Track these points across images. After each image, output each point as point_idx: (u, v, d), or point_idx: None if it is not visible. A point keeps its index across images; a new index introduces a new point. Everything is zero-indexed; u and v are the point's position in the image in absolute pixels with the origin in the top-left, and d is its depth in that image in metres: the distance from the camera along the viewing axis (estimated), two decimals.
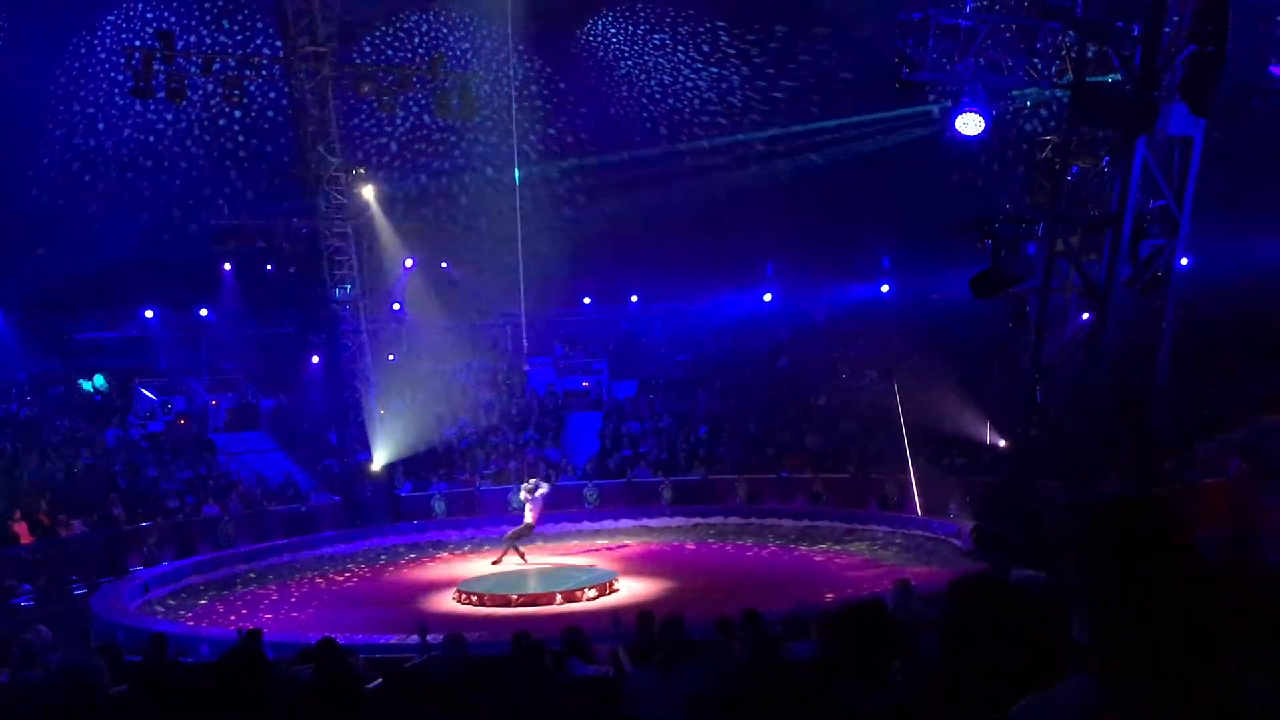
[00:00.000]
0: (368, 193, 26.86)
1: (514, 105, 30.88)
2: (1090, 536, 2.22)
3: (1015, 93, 18.88)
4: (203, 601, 20.87)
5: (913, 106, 28.84)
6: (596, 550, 24.15)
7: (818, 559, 22.23)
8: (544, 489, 22.42)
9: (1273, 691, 2.19)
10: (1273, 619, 2.25)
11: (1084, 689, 2.19)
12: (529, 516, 22.02)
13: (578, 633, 10.32)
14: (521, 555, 22.17)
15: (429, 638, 12.51)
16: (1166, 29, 13.19)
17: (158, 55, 24.00)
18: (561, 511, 26.94)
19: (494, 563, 22.23)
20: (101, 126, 34.94)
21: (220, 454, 28.52)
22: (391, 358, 30.97)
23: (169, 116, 34.29)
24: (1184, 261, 18.59)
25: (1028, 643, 2.52)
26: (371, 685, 9.26)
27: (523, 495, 22.44)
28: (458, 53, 36.47)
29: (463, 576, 21.16)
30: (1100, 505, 2.25)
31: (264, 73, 29.04)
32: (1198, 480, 19.16)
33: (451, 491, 27.64)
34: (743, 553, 23.48)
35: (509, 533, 22.28)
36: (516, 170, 30.44)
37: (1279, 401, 22.30)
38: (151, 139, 34.99)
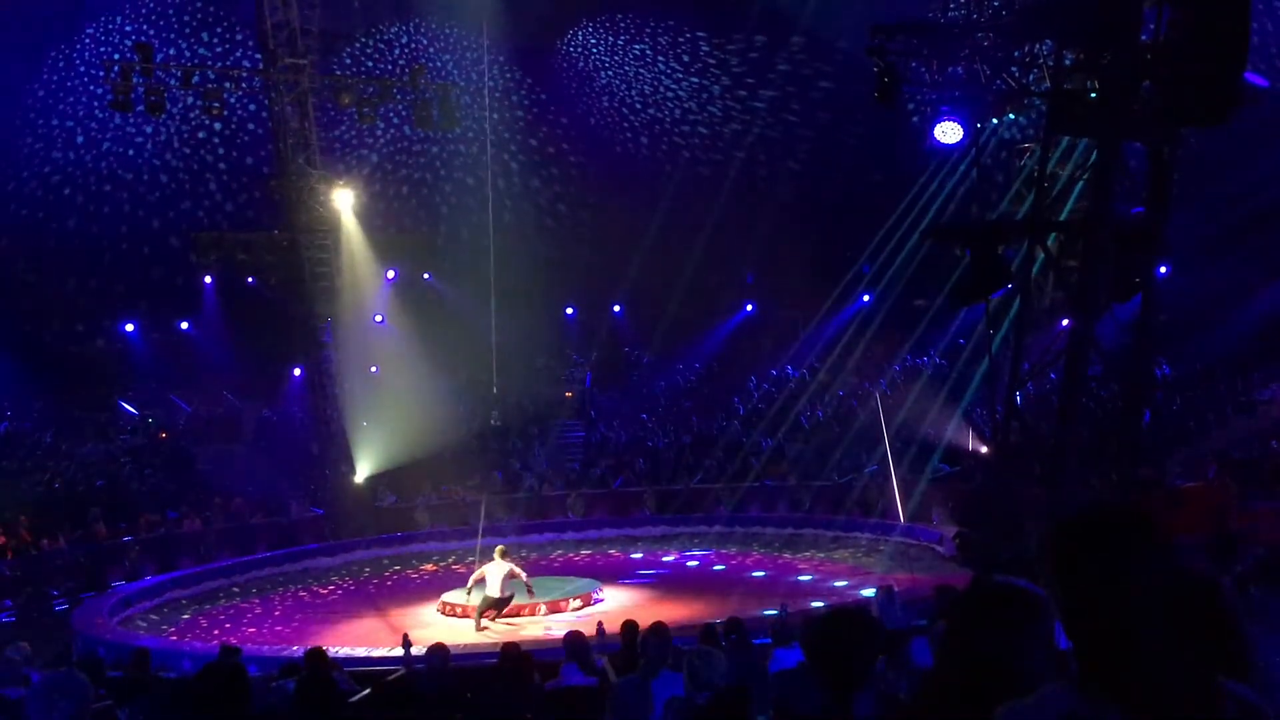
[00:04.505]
0: (342, 204, 26.76)
1: (492, 115, 30.81)
2: (1065, 545, 2.24)
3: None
4: (185, 616, 20.74)
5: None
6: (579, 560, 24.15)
7: (802, 566, 22.26)
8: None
9: (1249, 696, 2.22)
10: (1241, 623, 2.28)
11: (1064, 695, 2.20)
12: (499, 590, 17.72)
13: (580, 638, 10.34)
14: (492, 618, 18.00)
15: (412, 650, 12.50)
16: (1144, 37, 13.27)
17: (137, 68, 23.91)
18: (545, 521, 27.05)
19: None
20: (80, 140, 34.80)
21: (201, 467, 28.37)
22: (374, 369, 30.90)
23: (148, 129, 34.19)
24: (1162, 269, 18.74)
25: (1031, 650, 2.54)
26: (355, 698, 9.24)
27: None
28: (438, 64, 36.48)
29: (446, 588, 21.08)
30: (1074, 513, 2.27)
31: (244, 85, 28.97)
32: (1176, 485, 19.29)
33: (434, 503, 27.56)
34: (727, 561, 23.48)
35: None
36: None
37: (1255, 407, 22.53)
38: (131, 152, 34.86)
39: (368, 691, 9.51)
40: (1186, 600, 2.16)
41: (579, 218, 37.06)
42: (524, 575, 17.87)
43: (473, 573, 18.29)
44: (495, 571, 17.61)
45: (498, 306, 29.60)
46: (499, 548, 18.12)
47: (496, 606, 17.72)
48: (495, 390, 22.34)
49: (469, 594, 18.06)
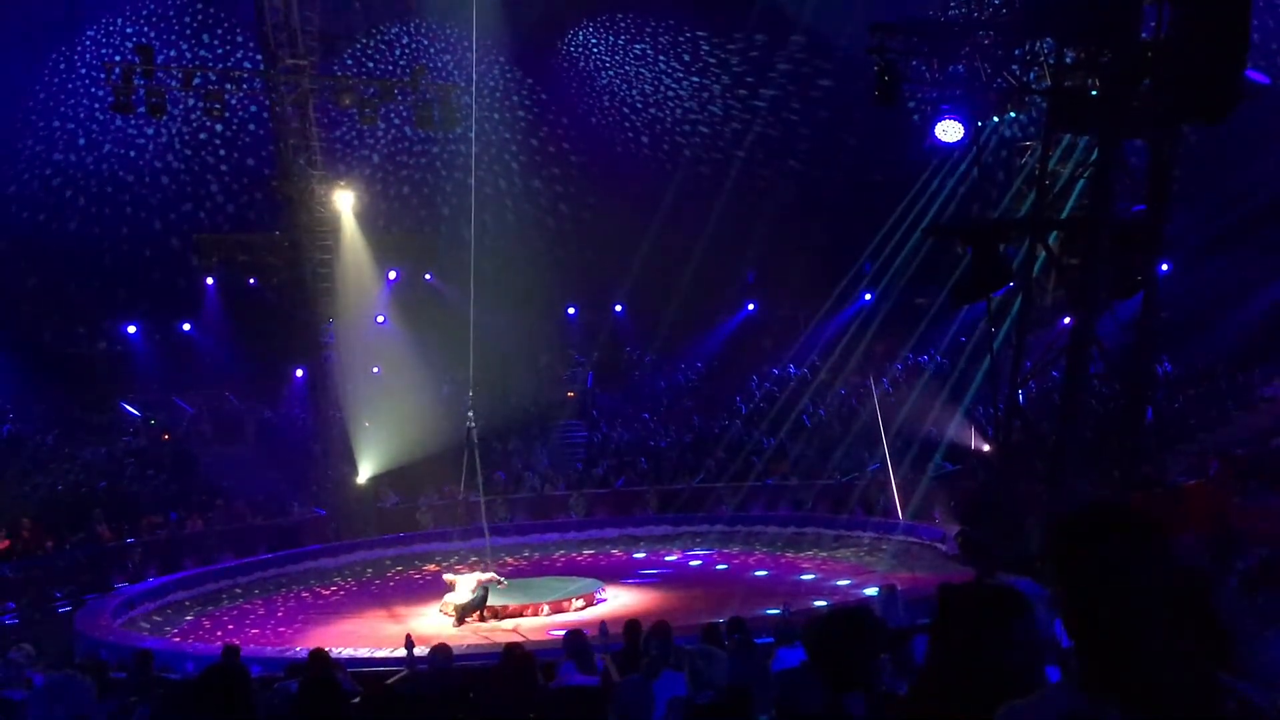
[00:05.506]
0: (343, 205, 26.75)
1: (493, 115, 30.77)
2: (1065, 543, 2.24)
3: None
4: (188, 617, 20.78)
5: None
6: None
7: (804, 565, 22.25)
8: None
9: (1251, 693, 2.22)
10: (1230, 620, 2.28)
11: (1065, 694, 2.21)
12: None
13: (580, 637, 10.33)
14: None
15: (415, 650, 12.50)
16: (1145, 35, 13.27)
17: (138, 70, 23.92)
18: (548, 520, 27.06)
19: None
20: (82, 142, 34.77)
21: (204, 468, 28.37)
22: (376, 370, 30.89)
23: (150, 131, 34.17)
24: (1164, 267, 18.73)
25: (1015, 648, 2.54)
26: (358, 699, 9.24)
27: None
28: (439, 64, 36.45)
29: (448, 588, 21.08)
30: (1075, 512, 2.27)
31: (245, 86, 28.99)
32: (1178, 482, 19.27)
33: (437, 503, 27.54)
34: (729, 560, 23.48)
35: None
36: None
37: (1257, 404, 22.51)
38: (132, 154, 34.84)
39: (371, 693, 9.51)
40: (1185, 598, 2.16)
41: (580, 217, 37.02)
42: (494, 576, 18.93)
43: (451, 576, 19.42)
44: (464, 579, 18.67)
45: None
46: (479, 572, 19.03)
47: (469, 611, 18.37)
48: (470, 392, 22.50)
49: (453, 592, 18.90)
